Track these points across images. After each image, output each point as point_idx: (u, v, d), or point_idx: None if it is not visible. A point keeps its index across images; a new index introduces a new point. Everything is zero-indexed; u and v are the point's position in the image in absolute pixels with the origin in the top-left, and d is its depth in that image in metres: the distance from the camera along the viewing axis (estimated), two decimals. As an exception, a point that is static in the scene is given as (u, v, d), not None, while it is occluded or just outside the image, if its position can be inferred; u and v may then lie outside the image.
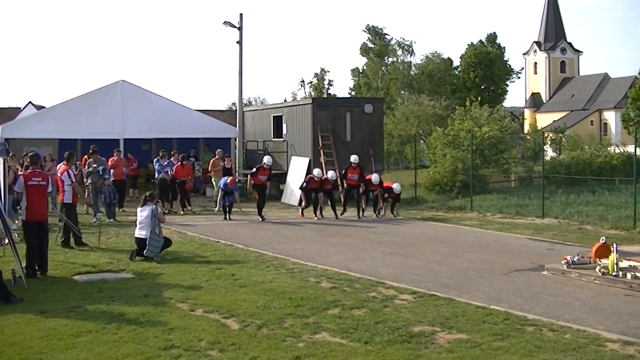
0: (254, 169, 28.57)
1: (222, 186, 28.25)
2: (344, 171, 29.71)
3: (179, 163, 29.93)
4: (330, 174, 29.34)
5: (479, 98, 52.87)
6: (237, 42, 38.76)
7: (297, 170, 34.24)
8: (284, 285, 14.48)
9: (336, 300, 13.15)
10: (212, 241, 21.10)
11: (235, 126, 39.63)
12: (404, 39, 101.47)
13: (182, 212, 29.33)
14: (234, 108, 52.41)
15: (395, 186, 29.12)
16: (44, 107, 50.63)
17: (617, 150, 55.95)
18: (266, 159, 28.57)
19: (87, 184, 25.99)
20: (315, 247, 20.19)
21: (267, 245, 20.24)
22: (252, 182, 28.36)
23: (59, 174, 20.51)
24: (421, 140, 58.61)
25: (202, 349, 10.20)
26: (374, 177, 28.90)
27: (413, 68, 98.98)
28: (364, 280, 15.15)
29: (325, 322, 11.60)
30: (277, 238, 22.23)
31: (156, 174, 30.11)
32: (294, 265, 16.90)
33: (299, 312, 12.18)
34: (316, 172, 28.85)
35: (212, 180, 33.18)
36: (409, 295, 13.71)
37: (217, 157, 33.05)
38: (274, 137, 38.30)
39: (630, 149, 46.21)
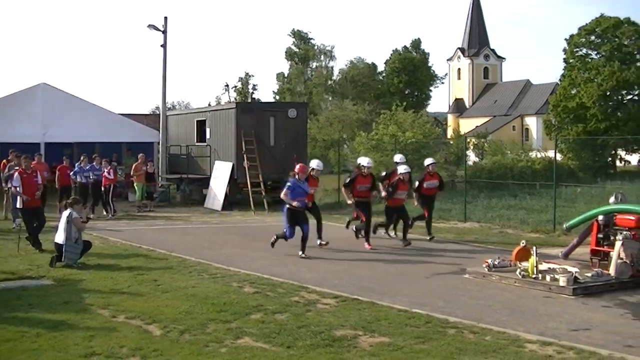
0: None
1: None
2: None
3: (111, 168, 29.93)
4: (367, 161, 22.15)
5: (404, 103, 53.26)
6: (161, 46, 38.55)
7: (220, 175, 34.13)
8: (207, 291, 14.42)
9: (259, 305, 13.14)
10: (135, 246, 20.92)
11: (159, 130, 39.34)
12: (324, 45, 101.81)
13: (109, 216, 29.15)
14: (158, 112, 52.03)
15: None
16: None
17: (538, 155, 56.89)
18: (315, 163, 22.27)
19: (6, 188, 25.64)
20: (239, 252, 20.14)
21: (190, 250, 20.11)
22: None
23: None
24: (345, 145, 58.86)
25: (123, 356, 10.10)
26: None
27: (336, 73, 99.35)
28: (286, 284, 15.16)
29: (248, 327, 11.58)
30: (200, 243, 22.13)
31: (78, 178, 29.76)
32: (216, 270, 16.83)
33: (222, 317, 12.14)
34: (365, 160, 22.04)
35: (135, 184, 32.91)
36: (332, 299, 13.75)
37: (139, 161, 32.77)
38: (197, 142, 38.17)
39: (551, 154, 46.96)
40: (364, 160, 21.90)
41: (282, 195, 19.47)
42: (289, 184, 19.40)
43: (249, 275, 16.19)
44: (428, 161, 23.78)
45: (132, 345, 10.53)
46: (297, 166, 19.95)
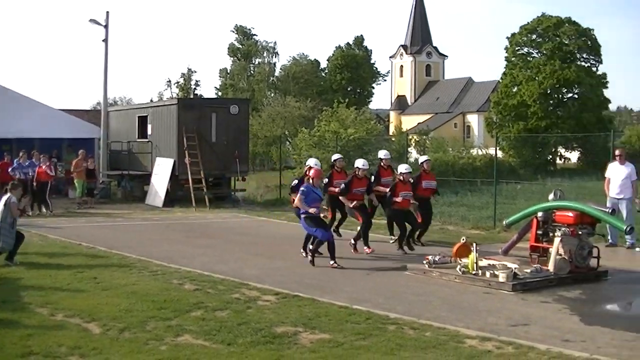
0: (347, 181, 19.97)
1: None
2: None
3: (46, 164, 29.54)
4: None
5: (347, 100, 53.37)
6: (102, 41, 38.21)
7: (161, 172, 33.94)
8: (147, 288, 14.32)
9: (199, 302, 13.07)
10: (74, 244, 20.68)
11: (100, 126, 38.98)
12: (267, 41, 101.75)
13: (48, 214, 28.82)
14: (99, 108, 51.52)
15: None
16: None
17: (480, 153, 57.40)
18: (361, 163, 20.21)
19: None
20: (180, 249, 20.03)
21: (130, 247, 19.93)
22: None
23: None
24: (287, 142, 58.84)
25: (62, 355, 9.97)
26: None
27: (278, 70, 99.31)
28: (227, 281, 15.09)
29: (188, 324, 11.52)
30: (141, 240, 21.99)
31: (17, 174, 29.36)
32: (157, 268, 16.70)
33: (162, 315, 12.06)
34: (361, 162, 19.93)
35: (75, 181, 32.56)
36: (273, 296, 13.72)
37: (80, 157, 32.42)
38: (138, 138, 37.85)
39: (492, 151, 47.36)
40: (359, 162, 20.07)
41: (296, 202, 17.87)
42: (303, 189, 17.69)
43: (189, 272, 16.09)
44: (422, 158, 22.38)
45: (70, 344, 10.40)
46: (312, 171, 18.21)
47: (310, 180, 17.80)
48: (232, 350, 10.19)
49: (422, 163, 21.76)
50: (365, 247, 19.30)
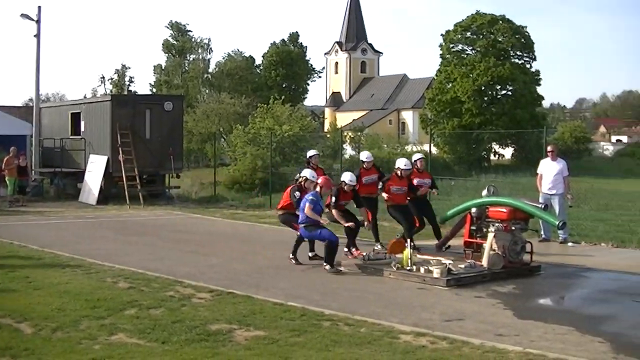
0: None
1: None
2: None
3: None
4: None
5: (282, 97, 53.36)
6: (34, 36, 37.72)
7: (95, 169, 33.62)
8: (80, 287, 14.13)
9: (133, 300, 12.95)
10: (6, 242, 20.35)
11: (32, 123, 38.52)
12: (201, 38, 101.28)
13: None
14: (31, 104, 50.98)
15: None
16: None
17: (414, 149, 57.70)
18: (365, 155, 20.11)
19: None
20: (113, 247, 19.84)
21: (63, 245, 19.65)
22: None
23: None
24: (222, 139, 58.65)
25: (-7, 355, 9.85)
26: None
27: (213, 66, 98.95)
28: (161, 279, 14.97)
29: (122, 322, 11.40)
30: (74, 238, 21.74)
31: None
32: (90, 266, 16.48)
33: (95, 314, 11.91)
34: (348, 177, 17.81)
35: (6, 179, 32.10)
36: (207, 293, 13.65)
37: (11, 155, 32.00)
38: (71, 135, 37.44)
39: (427, 147, 47.67)
40: (363, 155, 19.87)
41: (306, 211, 16.34)
42: (312, 197, 16.50)
43: (123, 271, 15.93)
44: (416, 156, 20.73)
45: (1, 345, 10.20)
46: (321, 179, 17.15)
47: (318, 189, 16.86)
48: (167, 349, 10.11)
49: (415, 161, 19.98)
50: (354, 250, 18.22)
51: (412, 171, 19.38)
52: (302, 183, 17.70)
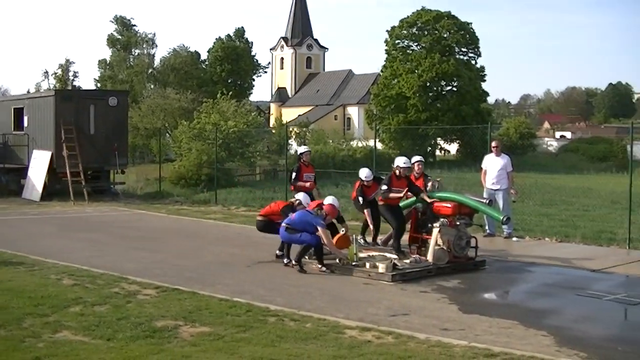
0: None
1: None
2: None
3: None
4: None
5: (230, 93, 53.20)
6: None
7: (38, 165, 33.26)
8: (24, 284, 13.98)
9: (78, 297, 12.84)
10: (-55, 240, 20.15)
11: (-28, 118, 38.04)
12: (146, 33, 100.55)
13: None
14: (-28, 99, 50.34)
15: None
16: None
17: (360, 145, 57.87)
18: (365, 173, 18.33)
19: None
20: (58, 244, 19.65)
21: (6, 243, 19.35)
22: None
23: None
24: (167, 134, 58.32)
25: None
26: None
27: (158, 61, 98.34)
28: (106, 276, 14.87)
29: (66, 320, 11.31)
30: (18, 235, 21.45)
31: None
32: (34, 263, 16.31)
33: (39, 311, 11.79)
34: (365, 173, 18.15)
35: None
36: (153, 289, 13.60)
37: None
38: (14, 130, 36.97)
39: (372, 143, 47.82)
40: (362, 174, 18.14)
41: (326, 239, 15.66)
42: (323, 222, 15.94)
43: (68, 267, 15.80)
44: (415, 159, 19.18)
45: (-57, 344, 10.13)
46: (326, 206, 16.43)
47: (324, 214, 16.18)
48: (112, 346, 10.05)
49: (413, 164, 18.58)
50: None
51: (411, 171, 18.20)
52: (295, 205, 17.00)
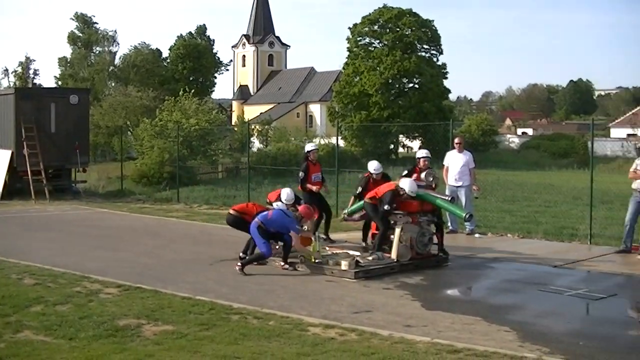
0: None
1: None
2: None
3: None
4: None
5: (192, 90, 53.00)
6: None
7: (-3, 164, 33.02)
8: (-17, 284, 13.92)
9: (39, 296, 12.77)
10: None
11: None
12: (107, 30, 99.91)
13: None
14: None
15: None
16: None
17: (322, 142, 57.85)
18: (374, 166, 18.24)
19: None
20: (19, 243, 19.49)
21: (-34, 242, 19.34)
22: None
23: None
24: (129, 132, 58.02)
25: None
26: None
27: (119, 59, 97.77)
28: (68, 275, 14.80)
29: (27, 320, 11.24)
30: (-22, 234, 21.35)
31: None
32: (-5, 262, 16.26)
33: (0, 311, 11.73)
34: (374, 166, 18.16)
35: None
36: (115, 288, 13.55)
37: None
38: (-27, 129, 36.70)
39: (334, 140, 47.83)
40: (371, 167, 18.07)
41: (296, 243, 15.56)
42: (298, 227, 15.83)
43: (29, 267, 15.69)
44: (421, 154, 19.40)
45: None
46: (301, 208, 16.24)
47: (299, 219, 16.05)
48: (74, 345, 10.01)
49: (419, 159, 19.04)
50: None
51: (413, 169, 18.62)
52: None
